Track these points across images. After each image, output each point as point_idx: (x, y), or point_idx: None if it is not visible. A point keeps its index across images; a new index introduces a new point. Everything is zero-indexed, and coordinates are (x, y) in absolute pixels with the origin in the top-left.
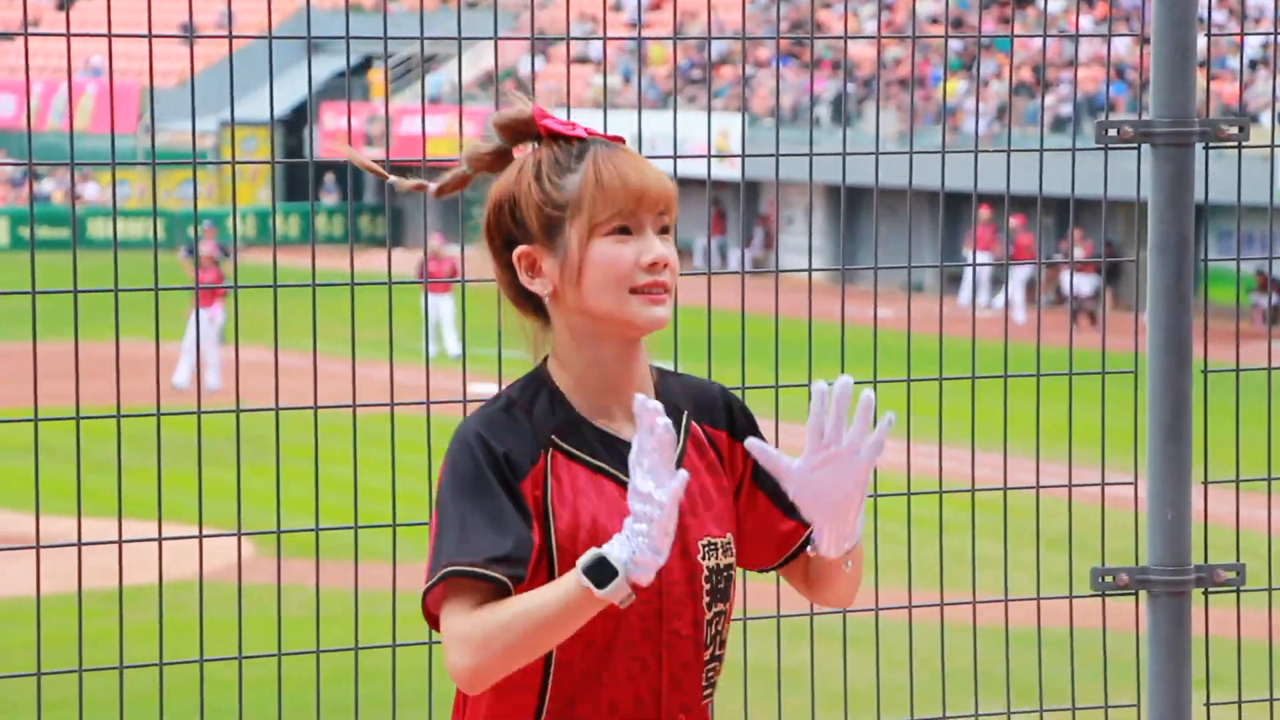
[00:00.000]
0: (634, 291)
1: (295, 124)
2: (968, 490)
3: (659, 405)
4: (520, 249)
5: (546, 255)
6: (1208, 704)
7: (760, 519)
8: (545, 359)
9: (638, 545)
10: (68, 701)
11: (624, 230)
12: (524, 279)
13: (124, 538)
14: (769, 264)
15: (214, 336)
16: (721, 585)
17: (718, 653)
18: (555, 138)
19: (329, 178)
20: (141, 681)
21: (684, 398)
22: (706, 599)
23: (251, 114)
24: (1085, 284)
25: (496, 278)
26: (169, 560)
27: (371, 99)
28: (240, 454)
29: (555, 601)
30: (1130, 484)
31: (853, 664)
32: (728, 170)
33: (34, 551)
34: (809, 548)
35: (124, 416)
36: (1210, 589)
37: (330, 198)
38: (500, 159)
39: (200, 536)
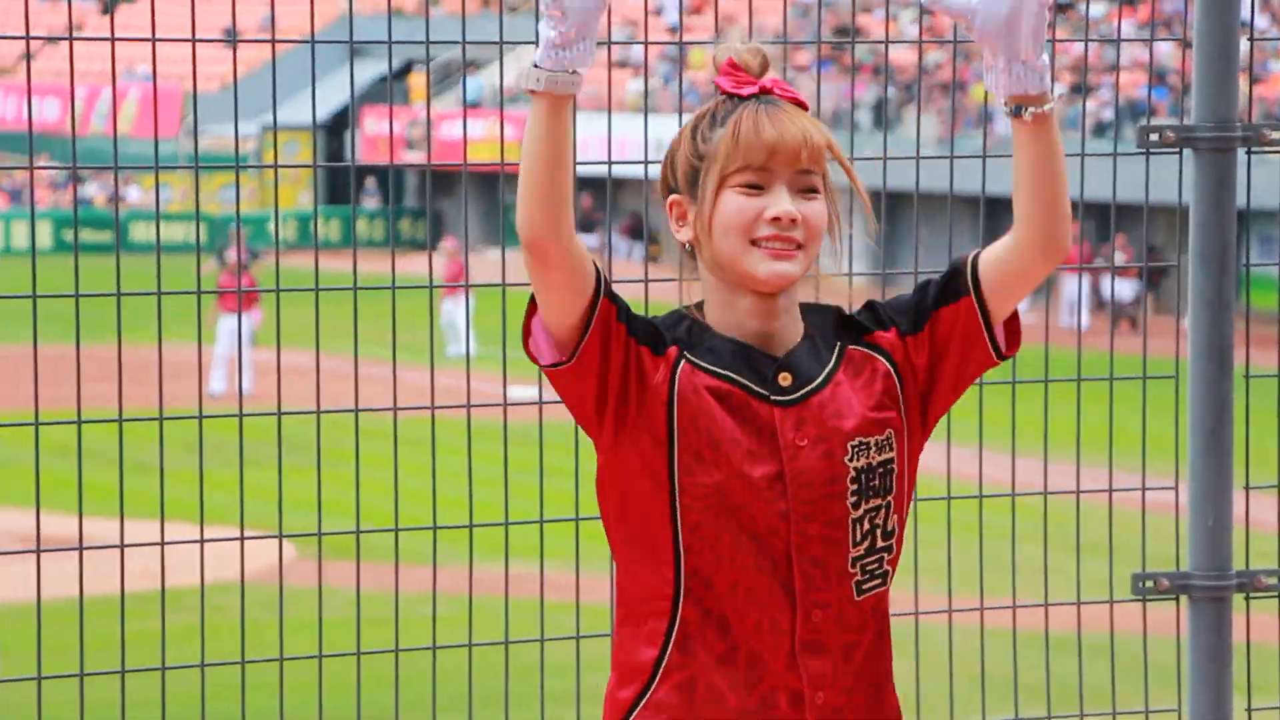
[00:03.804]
0: (755, 243)
1: (336, 128)
2: (1008, 495)
3: None
4: (671, 197)
5: (690, 205)
6: (1249, 709)
7: (960, 334)
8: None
9: (547, 34)
10: (110, 703)
11: (755, 186)
12: (673, 226)
13: (166, 540)
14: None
15: (249, 340)
16: (875, 482)
17: (879, 544)
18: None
19: (370, 182)
20: (183, 683)
21: (826, 325)
22: (853, 498)
23: (293, 118)
24: (1127, 289)
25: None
26: (209, 562)
27: (412, 103)
28: (281, 456)
29: (529, 118)
30: (1171, 489)
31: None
32: None
33: (77, 554)
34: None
35: (167, 419)
36: (1251, 594)
37: (371, 201)
38: None
39: (241, 539)
